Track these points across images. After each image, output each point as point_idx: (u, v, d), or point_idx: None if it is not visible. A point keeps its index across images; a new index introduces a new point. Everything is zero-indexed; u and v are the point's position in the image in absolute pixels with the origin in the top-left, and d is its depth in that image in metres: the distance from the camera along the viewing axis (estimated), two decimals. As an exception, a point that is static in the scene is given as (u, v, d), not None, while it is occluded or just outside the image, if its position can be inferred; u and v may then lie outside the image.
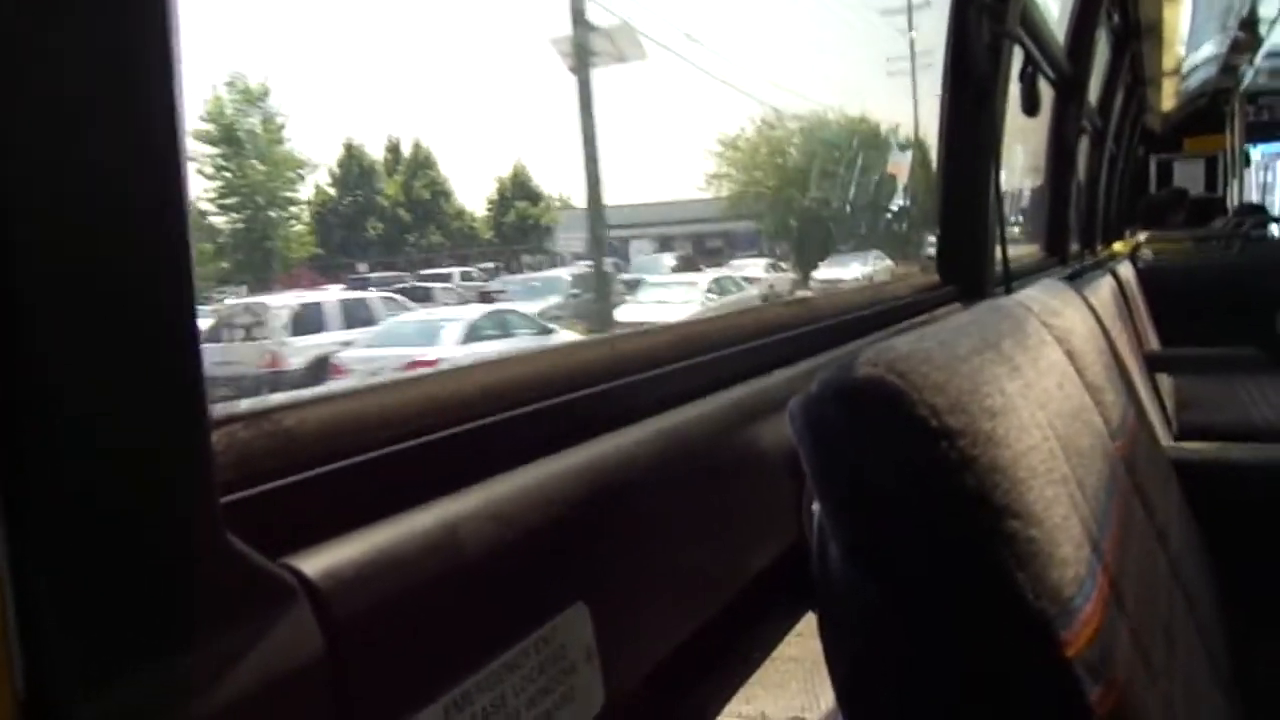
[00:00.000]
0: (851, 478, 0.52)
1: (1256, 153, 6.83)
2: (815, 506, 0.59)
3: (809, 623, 0.70)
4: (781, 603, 0.72)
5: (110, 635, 0.28)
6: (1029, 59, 1.66)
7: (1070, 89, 2.64)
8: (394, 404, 0.47)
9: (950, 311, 1.40)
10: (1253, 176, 6.80)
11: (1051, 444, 0.62)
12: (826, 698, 0.58)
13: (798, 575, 0.63)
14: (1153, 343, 2.76)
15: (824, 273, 17.27)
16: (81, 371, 0.27)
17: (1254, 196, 6.56)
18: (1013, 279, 1.64)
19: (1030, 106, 1.62)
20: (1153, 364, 2.37)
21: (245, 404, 0.40)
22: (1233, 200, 6.13)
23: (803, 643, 0.66)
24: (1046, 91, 2.59)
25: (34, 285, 0.26)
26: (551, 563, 0.47)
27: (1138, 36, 3.85)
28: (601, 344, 0.64)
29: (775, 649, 0.68)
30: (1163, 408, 2.29)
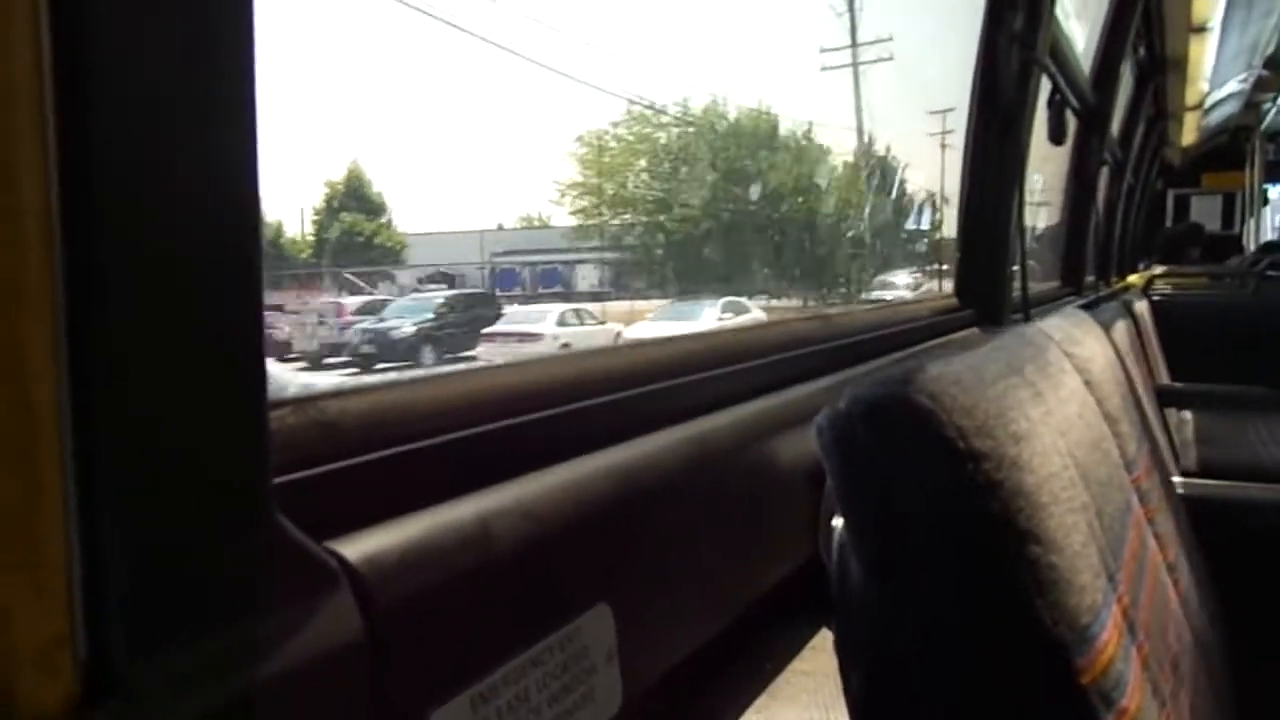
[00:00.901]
0: (877, 495, 0.53)
1: (1275, 191, 6.82)
2: (836, 521, 0.59)
3: (823, 637, 0.71)
4: (796, 616, 0.73)
5: (168, 606, 0.29)
6: (1056, 88, 1.66)
7: (1094, 120, 2.65)
8: (433, 398, 0.48)
9: (967, 335, 1.41)
10: (1269, 217, 6.79)
11: (1071, 472, 0.63)
12: (838, 713, 0.59)
13: (813, 589, 0.64)
14: (1164, 377, 2.76)
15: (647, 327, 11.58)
16: (152, 356, 0.28)
17: (1269, 236, 6.54)
18: (1030, 307, 1.65)
19: (1058, 135, 1.63)
20: (1164, 398, 2.37)
21: (293, 390, 0.41)
22: (1249, 238, 6.12)
23: (815, 657, 0.67)
24: (1070, 121, 2.60)
25: (111, 270, 0.27)
26: (578, 562, 0.48)
27: (1162, 70, 3.85)
28: (632, 350, 0.64)
29: (789, 662, 0.68)
30: (1171, 443, 2.29)
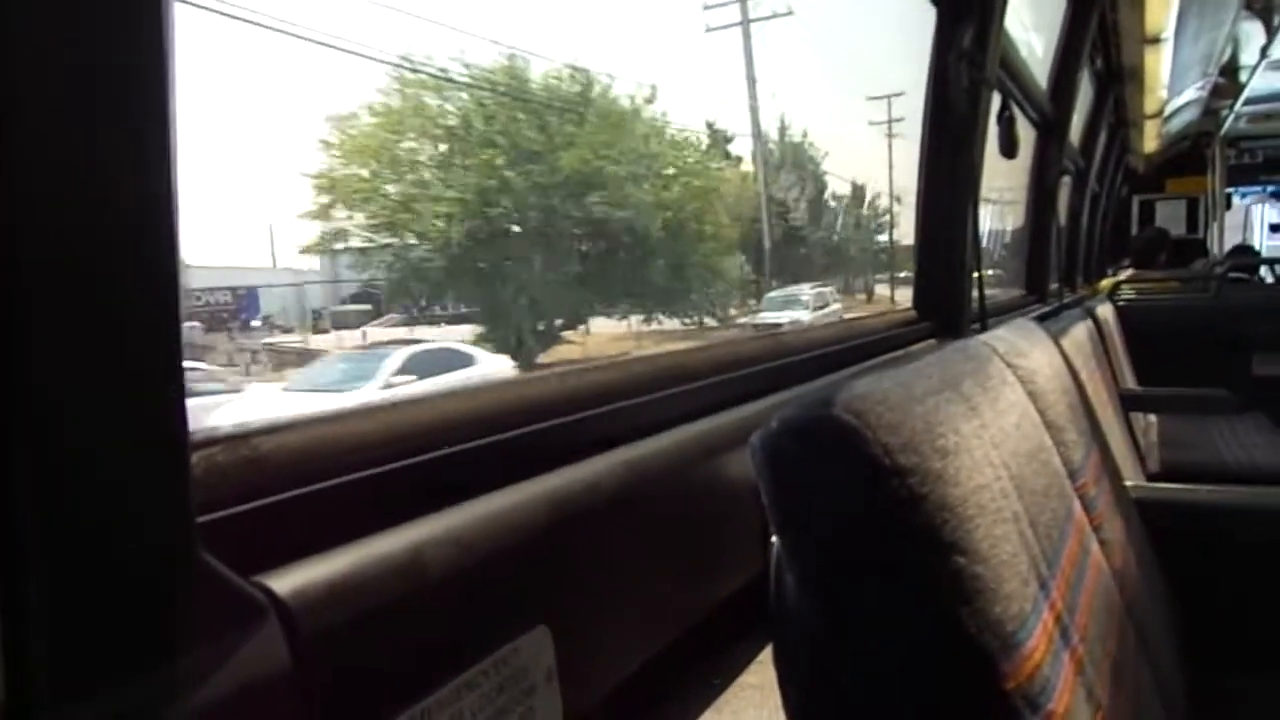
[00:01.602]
0: (806, 511, 0.54)
1: (1237, 197, 6.97)
2: (775, 538, 0.61)
3: (770, 651, 0.72)
4: (744, 631, 0.74)
5: (90, 647, 0.30)
6: (1006, 103, 1.70)
7: (1051, 130, 2.70)
8: (364, 431, 0.49)
9: (925, 348, 1.43)
10: (1232, 219, 6.92)
11: (1004, 483, 0.65)
12: (783, 725, 0.61)
13: (760, 605, 0.65)
14: (1129, 381, 2.81)
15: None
16: (69, 395, 0.29)
17: (1235, 238, 6.66)
18: (989, 317, 1.68)
19: (1008, 149, 1.66)
20: (1128, 403, 2.41)
21: (224, 428, 0.42)
22: (1213, 242, 6.22)
23: (764, 670, 0.68)
24: (1029, 132, 2.65)
25: (26, 302, 0.27)
26: (514, 587, 0.49)
27: (1120, 80, 3.93)
28: (571, 375, 0.66)
29: (738, 676, 0.70)
30: (1136, 446, 2.32)
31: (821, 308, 16.39)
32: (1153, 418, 2.87)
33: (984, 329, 1.61)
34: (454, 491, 0.48)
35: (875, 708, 0.54)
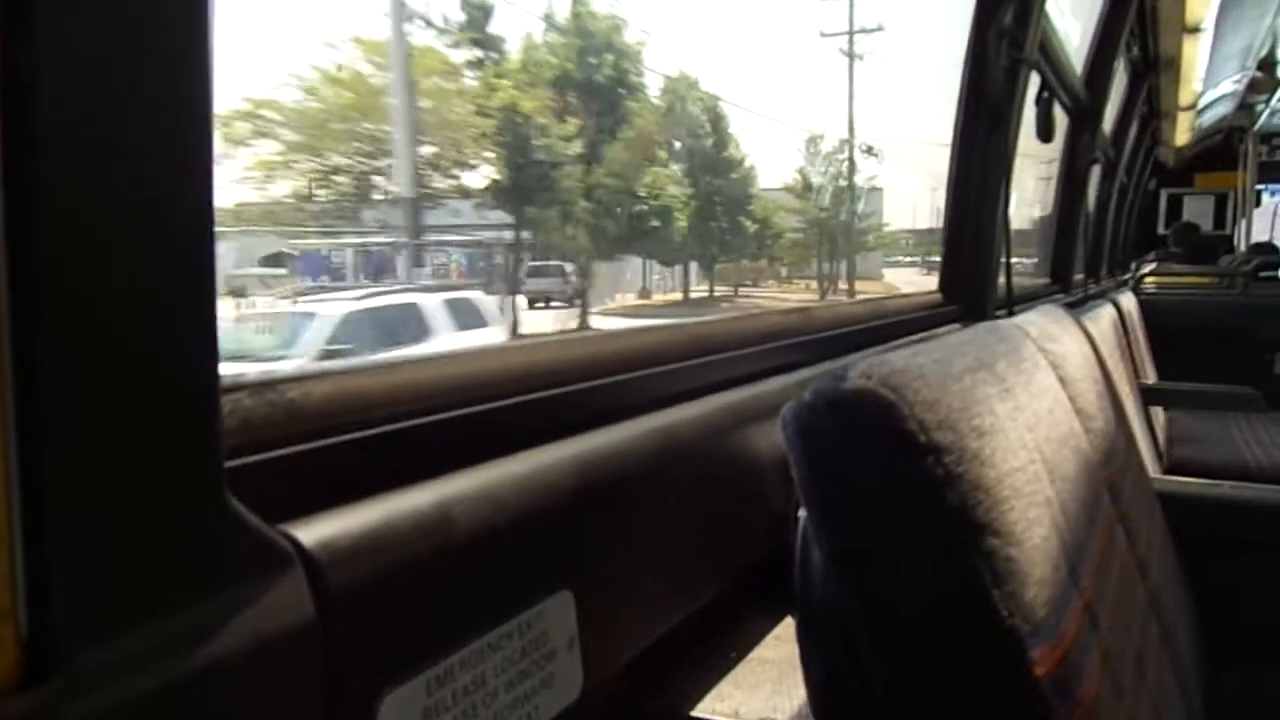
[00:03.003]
0: (838, 486, 0.53)
1: (1267, 194, 6.85)
2: (802, 513, 0.60)
3: (787, 626, 0.71)
4: (762, 605, 0.73)
5: (113, 588, 0.29)
6: (1045, 85, 1.67)
7: (1085, 117, 2.65)
8: (395, 384, 0.48)
9: (950, 331, 1.41)
10: (1260, 217, 6.82)
11: (1038, 467, 0.63)
12: (800, 701, 0.60)
13: (780, 579, 0.64)
14: (1150, 375, 2.78)
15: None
16: (100, 335, 0.28)
17: (1264, 236, 6.57)
18: (1015, 303, 1.66)
19: (1046, 133, 1.63)
20: (1148, 397, 2.38)
21: (251, 374, 0.41)
22: (1240, 239, 6.14)
23: (779, 645, 0.68)
24: (1061, 119, 2.60)
25: (57, 245, 0.27)
26: (541, 549, 0.48)
27: (1156, 70, 3.86)
28: (604, 339, 0.65)
29: (753, 650, 0.69)
30: (1154, 440, 2.30)
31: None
32: (1173, 413, 2.84)
33: (1011, 315, 1.59)
34: (482, 450, 0.48)
35: (900, 689, 0.53)
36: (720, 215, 20.21)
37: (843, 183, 22.87)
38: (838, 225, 22.81)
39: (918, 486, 0.51)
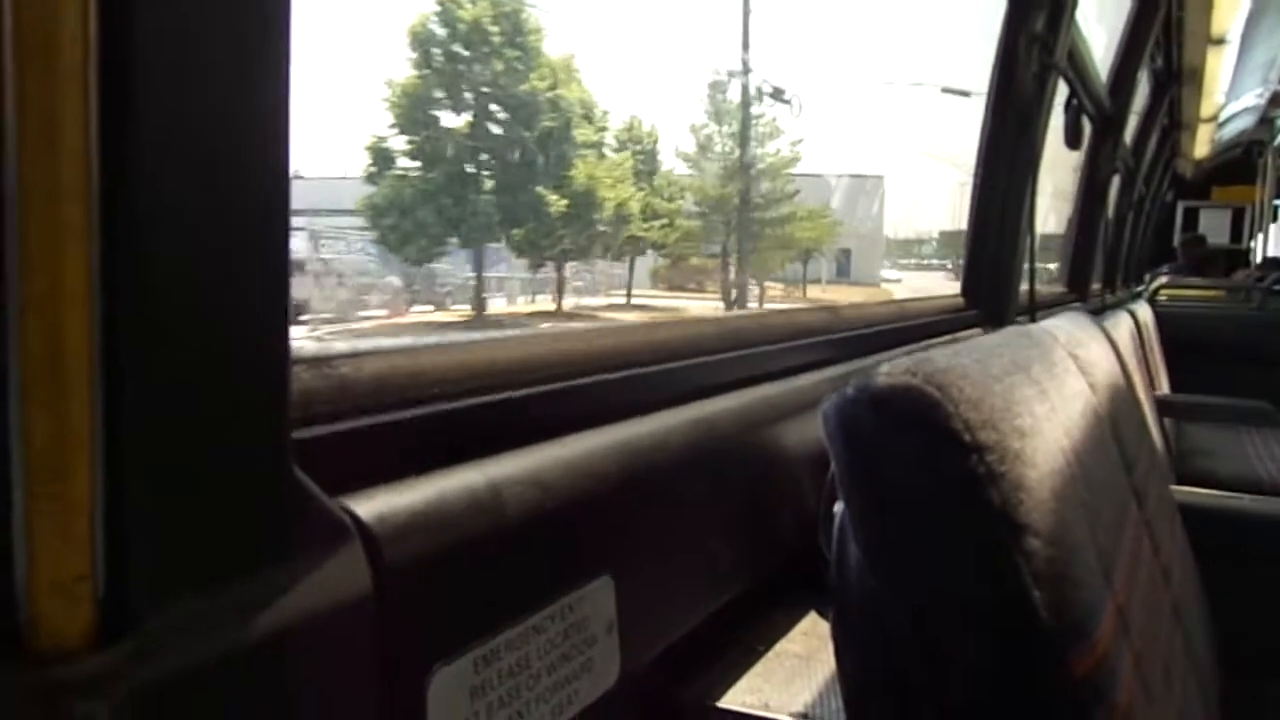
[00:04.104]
0: (879, 482, 0.53)
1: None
2: (837, 508, 0.60)
3: (813, 621, 0.71)
4: (793, 599, 0.73)
5: (185, 554, 0.29)
6: (1074, 92, 1.66)
7: (1108, 127, 2.64)
8: (445, 364, 0.48)
9: (972, 335, 1.41)
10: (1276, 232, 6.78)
11: (1074, 469, 0.63)
12: (829, 696, 0.60)
13: (811, 573, 0.64)
14: (1164, 387, 2.77)
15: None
16: (180, 310, 0.28)
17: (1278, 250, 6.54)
18: (1036, 310, 1.65)
19: (1074, 140, 1.62)
20: (1162, 408, 2.37)
21: (308, 349, 0.41)
22: (1257, 254, 6.11)
23: (808, 640, 0.68)
24: (1084, 127, 2.59)
25: (143, 226, 0.27)
26: (583, 533, 0.49)
27: (1178, 81, 3.84)
28: (644, 329, 0.65)
29: (782, 644, 0.69)
30: (1169, 451, 2.29)
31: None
32: (1186, 425, 2.83)
33: (1033, 322, 1.58)
34: (530, 432, 0.48)
35: (937, 687, 0.53)
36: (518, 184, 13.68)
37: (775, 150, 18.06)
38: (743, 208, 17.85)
39: (961, 484, 0.51)
